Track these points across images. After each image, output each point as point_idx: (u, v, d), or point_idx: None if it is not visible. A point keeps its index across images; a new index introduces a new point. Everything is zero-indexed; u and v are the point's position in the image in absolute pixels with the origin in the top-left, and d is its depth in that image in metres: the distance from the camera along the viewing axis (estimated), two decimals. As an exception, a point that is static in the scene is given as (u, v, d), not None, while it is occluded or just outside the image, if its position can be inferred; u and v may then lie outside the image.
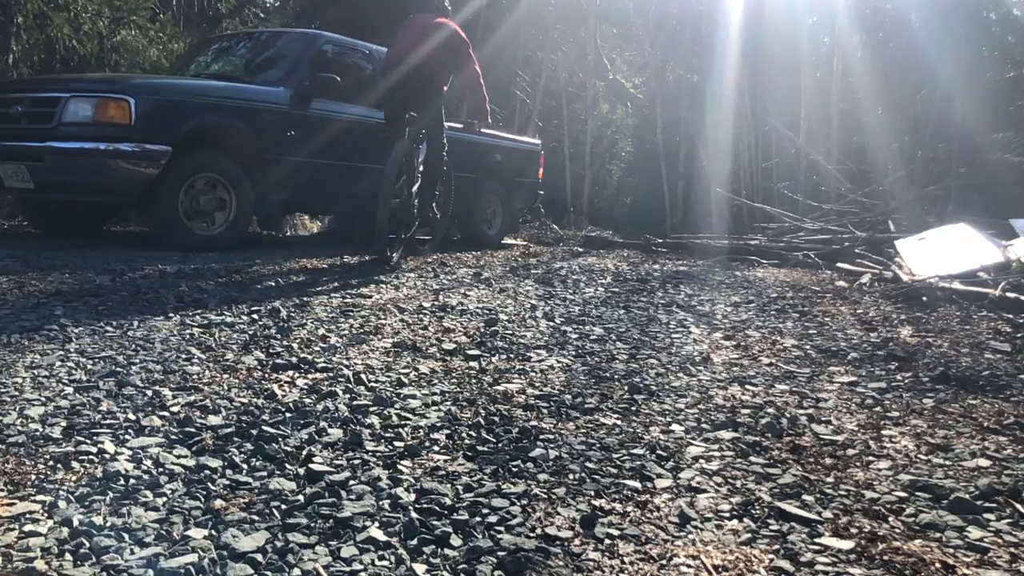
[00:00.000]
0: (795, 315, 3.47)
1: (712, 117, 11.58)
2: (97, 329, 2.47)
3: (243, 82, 5.24)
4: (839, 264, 5.55)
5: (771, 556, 1.24)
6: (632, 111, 15.42)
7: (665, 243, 7.60)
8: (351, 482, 1.44)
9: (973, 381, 2.35)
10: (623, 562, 1.21)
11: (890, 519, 1.39)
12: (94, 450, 1.52)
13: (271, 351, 2.34)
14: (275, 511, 1.31)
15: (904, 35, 11.96)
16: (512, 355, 2.48)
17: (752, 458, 1.67)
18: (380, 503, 1.36)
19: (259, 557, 1.16)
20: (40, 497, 1.32)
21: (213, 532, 1.23)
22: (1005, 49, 12.23)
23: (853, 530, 1.33)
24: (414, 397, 1.98)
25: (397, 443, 1.65)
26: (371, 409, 1.85)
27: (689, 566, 1.20)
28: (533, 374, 2.27)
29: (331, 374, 2.13)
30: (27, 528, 1.21)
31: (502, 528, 1.29)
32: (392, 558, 1.18)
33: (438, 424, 1.79)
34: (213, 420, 1.72)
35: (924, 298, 3.88)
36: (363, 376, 2.12)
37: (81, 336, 2.38)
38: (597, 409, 1.97)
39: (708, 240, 7.56)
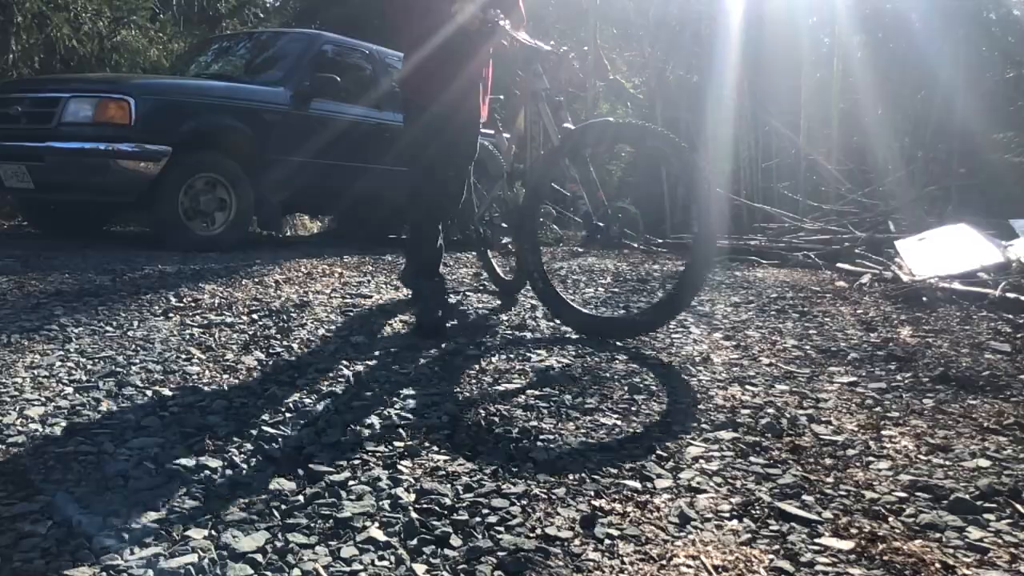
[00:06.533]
0: (795, 315, 3.47)
1: (712, 117, 11.57)
2: (97, 329, 2.47)
3: (243, 82, 5.24)
4: (839, 264, 5.54)
5: (771, 556, 1.24)
6: (632, 111, 15.42)
7: (665, 243, 7.60)
8: (351, 482, 1.44)
9: (973, 381, 2.34)
10: (623, 562, 1.21)
11: (890, 519, 1.39)
12: (94, 450, 1.52)
13: (271, 351, 2.34)
14: (275, 511, 1.31)
15: (904, 35, 11.95)
16: (512, 355, 2.48)
17: (752, 458, 1.67)
18: (380, 503, 1.36)
19: (259, 557, 1.16)
20: (40, 497, 1.32)
21: (213, 532, 1.23)
22: (1005, 49, 12.23)
23: (853, 530, 1.33)
24: (414, 397, 1.98)
25: (397, 443, 1.65)
26: (371, 409, 1.85)
27: (689, 566, 1.20)
28: (533, 374, 2.27)
29: (331, 374, 2.13)
30: (27, 528, 1.21)
31: (502, 528, 1.29)
32: (392, 558, 1.18)
33: (438, 424, 1.79)
34: (213, 420, 1.72)
35: (924, 298, 3.88)
36: (364, 376, 2.12)
37: (81, 336, 2.38)
38: (597, 409, 1.97)
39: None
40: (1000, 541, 1.32)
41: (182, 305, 2.91)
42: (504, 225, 3.57)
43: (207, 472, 1.45)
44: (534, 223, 2.90)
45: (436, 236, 2.97)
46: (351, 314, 2.95)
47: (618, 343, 2.73)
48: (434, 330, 2.69)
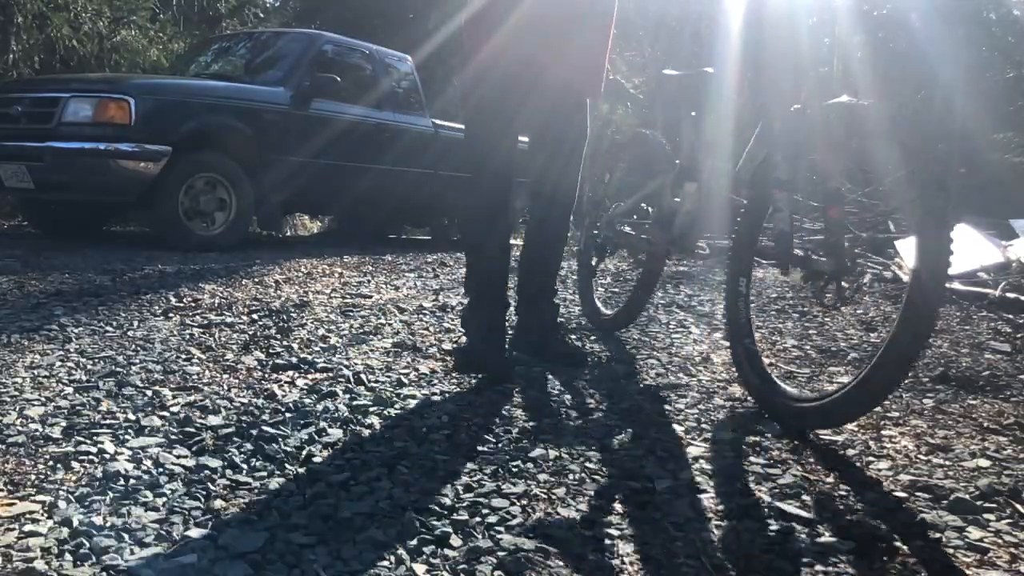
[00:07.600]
0: (795, 315, 3.47)
1: (712, 117, 11.58)
2: (97, 329, 2.47)
3: (243, 82, 5.25)
4: (839, 264, 5.53)
5: (771, 556, 1.24)
6: (632, 111, 15.41)
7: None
8: (351, 482, 1.44)
9: (973, 381, 2.34)
10: (623, 562, 1.21)
11: (890, 519, 1.39)
12: (94, 450, 1.52)
13: (271, 351, 2.34)
14: (275, 511, 1.31)
15: (904, 35, 11.96)
16: (512, 355, 2.48)
17: (752, 458, 1.67)
18: (380, 503, 1.36)
19: (259, 557, 1.16)
20: (40, 497, 1.31)
21: (213, 532, 1.23)
22: (1005, 50, 12.23)
23: (853, 530, 1.33)
24: (414, 397, 1.98)
25: (397, 443, 1.65)
26: (371, 409, 1.85)
27: (689, 566, 1.20)
28: (533, 374, 2.27)
29: (331, 374, 2.13)
30: (27, 528, 1.21)
31: (502, 528, 1.29)
32: (392, 558, 1.18)
33: (438, 424, 1.79)
34: (213, 420, 1.72)
35: (924, 298, 3.88)
36: (363, 376, 2.12)
37: (81, 336, 2.38)
38: (597, 409, 1.97)
39: (708, 240, 7.53)
40: (1000, 541, 1.31)
41: (182, 305, 2.91)
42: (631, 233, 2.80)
43: (207, 472, 1.45)
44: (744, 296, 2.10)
45: (482, 248, 2.32)
46: (351, 314, 2.94)
47: (624, 346, 2.73)
48: (466, 369, 2.21)
